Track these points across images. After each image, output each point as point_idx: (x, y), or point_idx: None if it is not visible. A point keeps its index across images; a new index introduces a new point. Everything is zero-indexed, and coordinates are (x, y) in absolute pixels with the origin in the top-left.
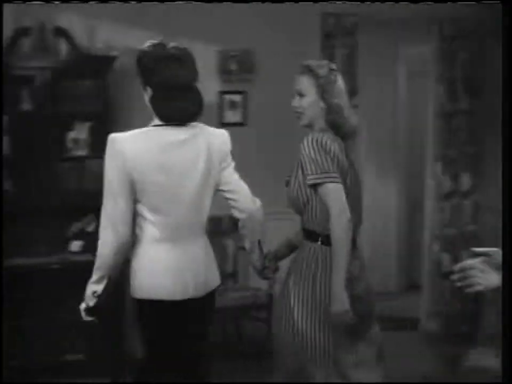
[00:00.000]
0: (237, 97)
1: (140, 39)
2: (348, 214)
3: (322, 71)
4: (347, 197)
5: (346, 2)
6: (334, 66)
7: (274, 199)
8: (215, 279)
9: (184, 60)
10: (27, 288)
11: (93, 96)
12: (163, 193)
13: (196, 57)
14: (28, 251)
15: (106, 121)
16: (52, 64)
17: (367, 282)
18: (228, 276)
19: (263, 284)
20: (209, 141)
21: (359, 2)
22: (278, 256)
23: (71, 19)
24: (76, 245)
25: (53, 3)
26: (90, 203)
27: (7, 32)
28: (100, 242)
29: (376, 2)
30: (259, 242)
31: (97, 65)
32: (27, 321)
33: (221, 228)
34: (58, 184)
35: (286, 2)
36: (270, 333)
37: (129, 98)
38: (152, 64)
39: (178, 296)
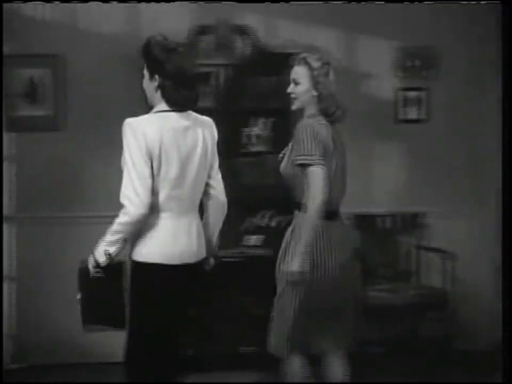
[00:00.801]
0: (415, 94)
1: (319, 36)
2: (322, 196)
3: (316, 64)
4: (334, 175)
5: None
6: (327, 60)
7: None
8: (203, 250)
9: (186, 53)
10: (204, 280)
11: (273, 92)
12: (174, 171)
13: (375, 54)
14: None
15: (286, 117)
16: (232, 61)
17: (352, 254)
18: (402, 273)
19: (436, 282)
20: (204, 127)
21: None
22: None
23: (251, 17)
24: (253, 239)
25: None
26: (269, 198)
27: (187, 29)
28: (124, 211)
29: None
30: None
31: (278, 62)
32: (202, 312)
33: (396, 225)
34: (238, 179)
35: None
36: (447, 333)
37: None
38: (162, 55)
39: (175, 261)
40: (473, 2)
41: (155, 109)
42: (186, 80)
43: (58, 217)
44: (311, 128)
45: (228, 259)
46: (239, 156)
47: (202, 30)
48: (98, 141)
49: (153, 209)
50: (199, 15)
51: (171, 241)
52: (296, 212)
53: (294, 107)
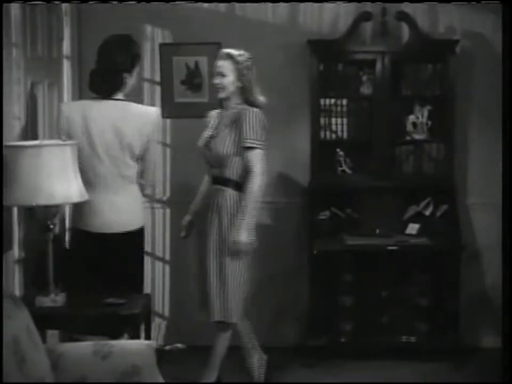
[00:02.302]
0: None
1: (481, 23)
2: (264, 176)
3: (241, 58)
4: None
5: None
6: (249, 56)
7: None
8: (132, 222)
9: (123, 48)
10: (359, 267)
11: (433, 80)
12: (87, 150)
13: None
14: (366, 231)
15: (446, 105)
16: (393, 48)
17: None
18: None
19: None
20: (133, 116)
21: None
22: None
23: (412, 4)
24: (412, 228)
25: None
26: (428, 187)
27: (348, 18)
28: None
29: None
30: None
31: (438, 49)
32: (354, 300)
33: None
34: (396, 167)
35: None
36: None
37: (471, 82)
38: (102, 45)
39: (96, 229)
40: (473, 2)
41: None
42: (104, 72)
43: None
44: (260, 115)
45: (390, 247)
46: (400, 143)
47: (365, 17)
48: None
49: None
50: (360, 4)
51: (95, 212)
52: (223, 188)
53: (220, 96)
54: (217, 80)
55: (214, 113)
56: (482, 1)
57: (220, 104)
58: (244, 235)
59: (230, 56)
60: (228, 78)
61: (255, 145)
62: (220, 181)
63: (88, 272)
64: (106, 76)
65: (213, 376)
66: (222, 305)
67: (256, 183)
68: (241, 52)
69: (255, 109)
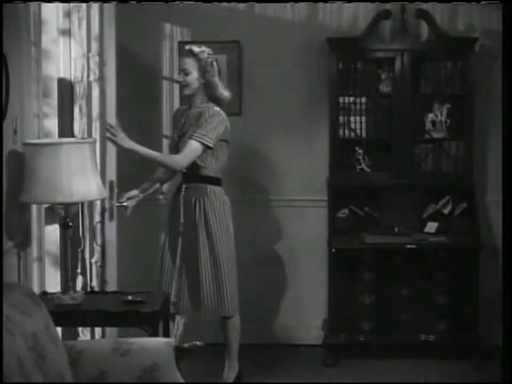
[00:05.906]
0: None
1: (499, 21)
2: (182, 165)
3: (203, 55)
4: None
5: None
6: (211, 51)
7: None
8: None
9: None
10: (378, 266)
11: (452, 78)
12: None
13: None
14: (385, 230)
15: (465, 103)
16: (412, 46)
17: None
18: None
19: None
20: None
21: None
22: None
23: (430, 2)
24: (431, 226)
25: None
26: (446, 185)
27: (368, 16)
28: None
29: None
30: None
31: (458, 47)
32: (373, 298)
33: None
34: (415, 165)
35: None
36: None
37: (490, 81)
38: None
39: None
40: (473, 2)
41: None
42: None
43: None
44: (218, 114)
45: (409, 246)
46: (420, 142)
47: (382, 15)
48: (271, 126)
49: None
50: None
51: None
52: (201, 185)
53: (186, 93)
54: (180, 78)
55: (180, 112)
56: (482, 2)
57: (188, 101)
58: (127, 143)
59: (192, 53)
60: (191, 75)
61: (199, 140)
62: (197, 179)
63: None
64: None
65: (235, 368)
66: (227, 299)
67: (176, 160)
68: (203, 48)
69: (215, 108)
